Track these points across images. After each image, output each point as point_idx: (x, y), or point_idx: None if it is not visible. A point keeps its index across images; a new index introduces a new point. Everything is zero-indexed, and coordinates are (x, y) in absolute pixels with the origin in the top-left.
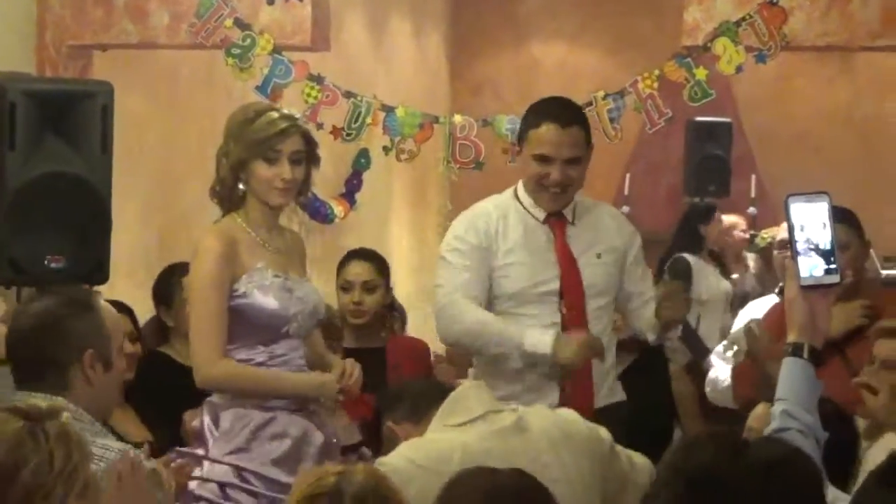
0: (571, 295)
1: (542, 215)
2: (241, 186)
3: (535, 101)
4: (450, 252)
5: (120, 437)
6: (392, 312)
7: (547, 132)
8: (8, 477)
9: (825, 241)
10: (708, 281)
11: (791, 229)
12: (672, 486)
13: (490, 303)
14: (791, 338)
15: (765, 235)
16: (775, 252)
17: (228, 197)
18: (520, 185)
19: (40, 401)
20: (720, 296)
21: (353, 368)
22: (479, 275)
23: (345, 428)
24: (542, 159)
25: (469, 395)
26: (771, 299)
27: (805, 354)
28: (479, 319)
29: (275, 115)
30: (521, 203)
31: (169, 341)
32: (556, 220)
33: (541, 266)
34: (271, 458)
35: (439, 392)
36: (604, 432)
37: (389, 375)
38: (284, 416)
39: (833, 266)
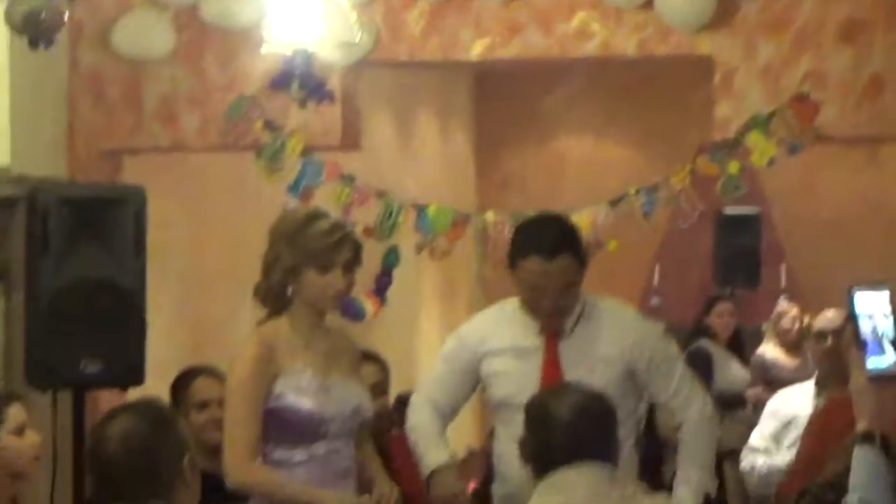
0: None
1: (538, 325)
2: (288, 289)
3: (524, 223)
4: (441, 353)
5: None
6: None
7: (533, 265)
8: None
9: (890, 331)
10: (730, 368)
11: (856, 319)
12: None
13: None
14: (861, 426)
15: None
16: (813, 342)
17: (276, 299)
18: None
19: None
20: (742, 386)
21: (392, 493)
22: (449, 378)
23: None
24: (532, 289)
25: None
26: (806, 386)
27: (876, 444)
28: (411, 424)
29: (327, 224)
30: (524, 311)
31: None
32: (549, 332)
33: (526, 377)
34: None
35: None
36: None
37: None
38: None
39: None
